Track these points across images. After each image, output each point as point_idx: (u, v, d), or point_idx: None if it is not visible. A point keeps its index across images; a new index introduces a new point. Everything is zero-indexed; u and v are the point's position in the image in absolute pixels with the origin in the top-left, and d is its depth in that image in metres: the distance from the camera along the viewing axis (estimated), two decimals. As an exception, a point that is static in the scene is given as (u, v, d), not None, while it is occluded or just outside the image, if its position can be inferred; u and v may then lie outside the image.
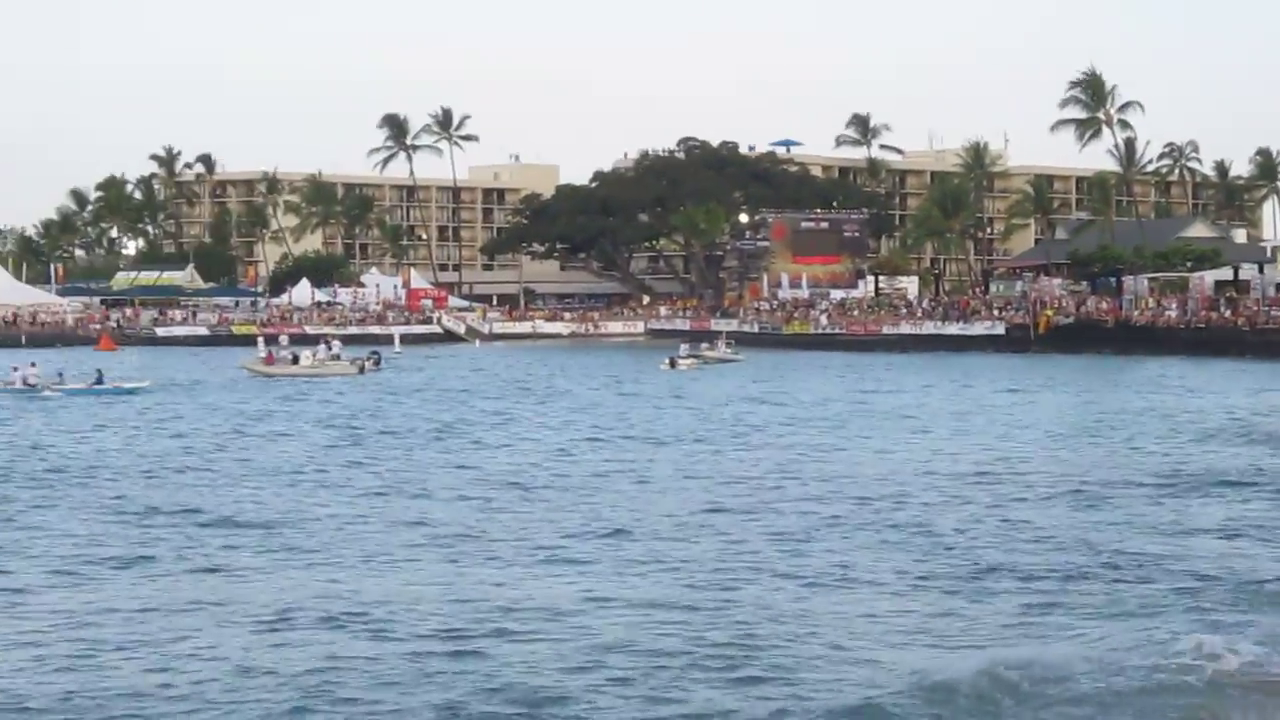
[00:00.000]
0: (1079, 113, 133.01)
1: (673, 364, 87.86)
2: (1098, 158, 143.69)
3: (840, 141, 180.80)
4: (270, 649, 18.28)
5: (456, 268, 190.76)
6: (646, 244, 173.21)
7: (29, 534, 26.88)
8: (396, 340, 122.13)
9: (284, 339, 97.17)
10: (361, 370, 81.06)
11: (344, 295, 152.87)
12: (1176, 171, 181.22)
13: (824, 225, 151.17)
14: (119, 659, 17.85)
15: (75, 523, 28.26)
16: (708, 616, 19.95)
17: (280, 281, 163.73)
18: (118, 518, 28.98)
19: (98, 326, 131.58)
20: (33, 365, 67.59)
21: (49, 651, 18.16)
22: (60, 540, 26.30)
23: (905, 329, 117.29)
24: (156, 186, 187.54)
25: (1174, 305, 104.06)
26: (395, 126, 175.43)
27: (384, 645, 18.34)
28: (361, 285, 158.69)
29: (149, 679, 16.88)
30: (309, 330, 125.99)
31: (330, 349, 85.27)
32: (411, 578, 22.92)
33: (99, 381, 66.39)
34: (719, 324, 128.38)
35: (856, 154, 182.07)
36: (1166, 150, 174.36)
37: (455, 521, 28.44)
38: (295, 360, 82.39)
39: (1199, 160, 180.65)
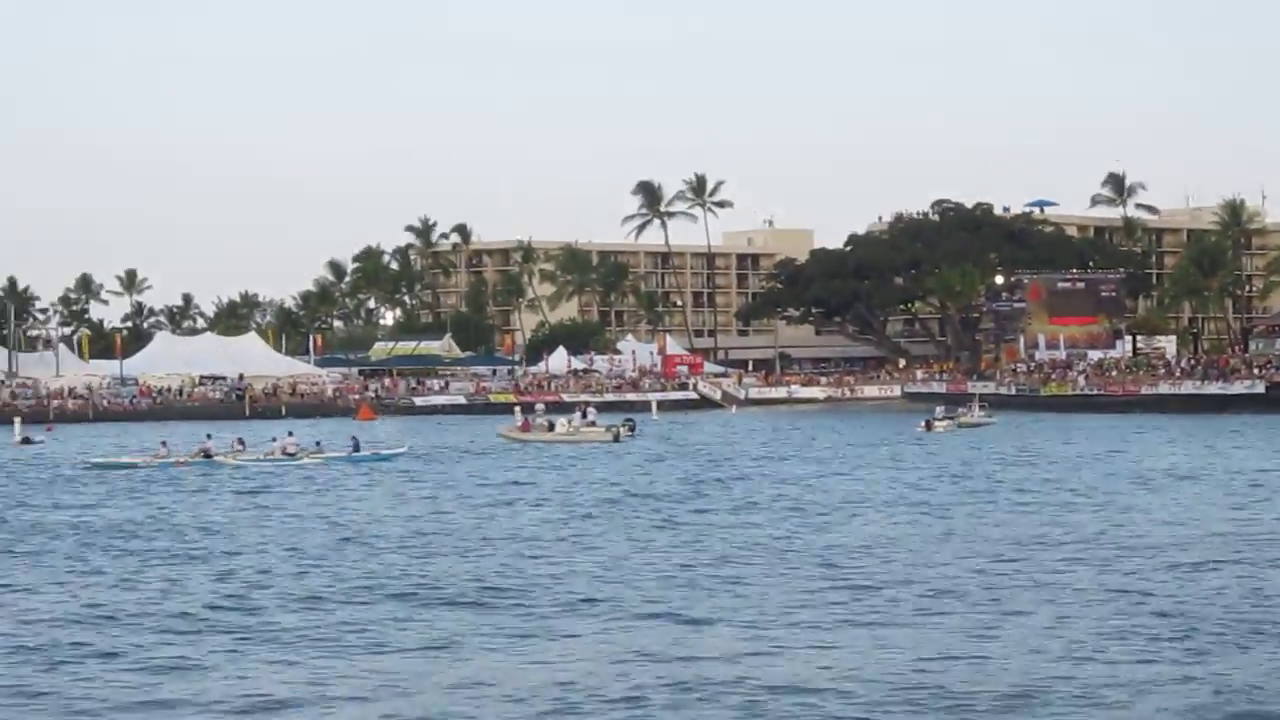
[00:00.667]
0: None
1: (929, 426, 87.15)
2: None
3: (1095, 201, 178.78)
4: None
5: (711, 333, 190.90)
6: (901, 307, 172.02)
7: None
8: (654, 407, 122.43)
9: (539, 407, 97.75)
10: (616, 438, 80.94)
11: (600, 362, 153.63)
12: None
13: (1080, 285, 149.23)
14: None
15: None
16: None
17: (537, 349, 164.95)
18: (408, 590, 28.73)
19: (357, 397, 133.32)
20: (290, 435, 68.46)
21: None
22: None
23: (1164, 389, 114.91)
24: (413, 257, 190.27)
25: None
26: (649, 193, 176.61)
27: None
28: (617, 352, 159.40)
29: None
30: (565, 398, 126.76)
31: (585, 416, 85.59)
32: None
33: (355, 449, 67.08)
34: (975, 386, 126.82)
35: (1112, 213, 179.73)
36: None
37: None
38: (551, 427, 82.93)
39: None
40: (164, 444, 66.22)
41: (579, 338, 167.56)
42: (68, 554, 34.08)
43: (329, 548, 34.62)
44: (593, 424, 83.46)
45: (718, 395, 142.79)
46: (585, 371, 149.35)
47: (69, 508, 45.78)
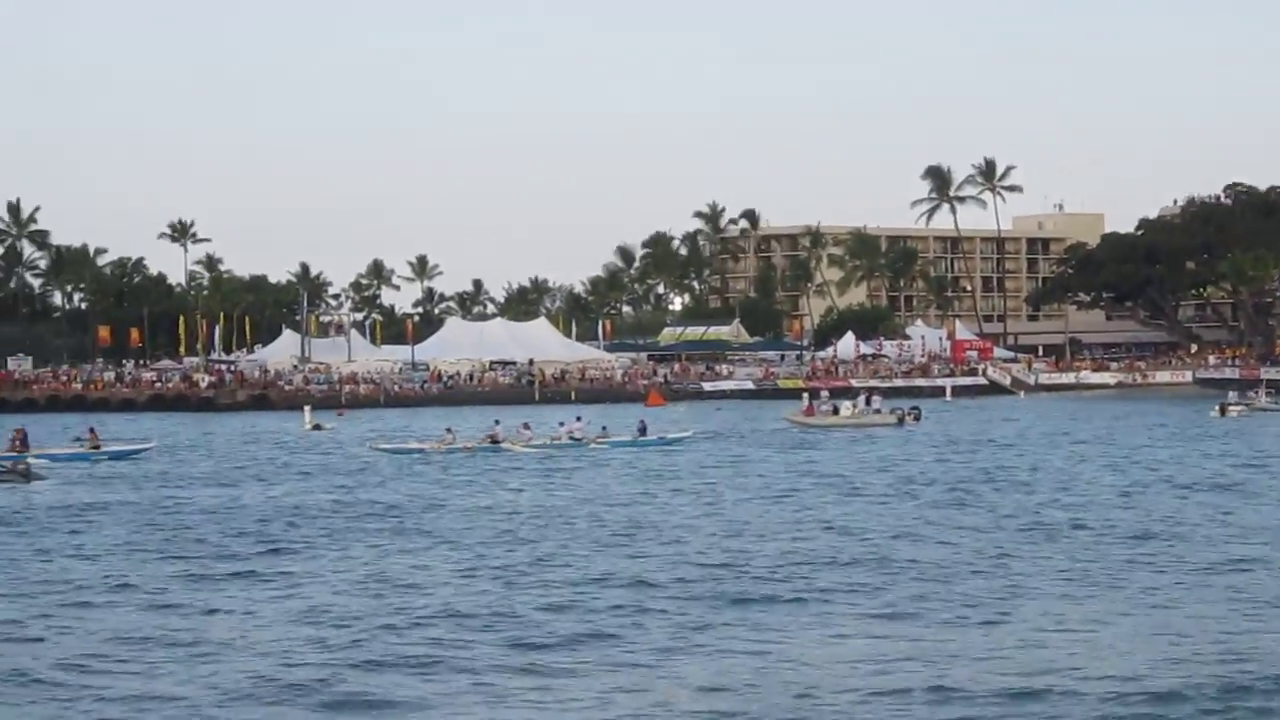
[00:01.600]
0: None
1: (1223, 411, 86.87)
2: None
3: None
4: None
5: (1001, 318, 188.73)
6: (1193, 292, 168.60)
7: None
8: (948, 391, 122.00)
9: (824, 393, 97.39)
10: (900, 422, 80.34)
11: (889, 347, 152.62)
12: None
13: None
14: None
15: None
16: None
17: (825, 334, 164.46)
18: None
19: (646, 382, 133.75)
20: (578, 420, 68.77)
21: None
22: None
23: None
24: (702, 242, 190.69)
25: None
26: (938, 178, 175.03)
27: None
28: (906, 337, 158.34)
29: None
30: (854, 383, 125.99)
31: (870, 403, 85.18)
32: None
33: (642, 433, 67.23)
34: (1268, 372, 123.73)
35: None
36: None
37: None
38: (835, 411, 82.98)
39: None
40: (449, 430, 66.90)
41: (868, 323, 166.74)
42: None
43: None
44: (878, 410, 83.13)
45: (1007, 381, 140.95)
46: (874, 357, 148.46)
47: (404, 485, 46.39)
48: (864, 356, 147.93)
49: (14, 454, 55.56)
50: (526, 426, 67.18)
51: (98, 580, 27.24)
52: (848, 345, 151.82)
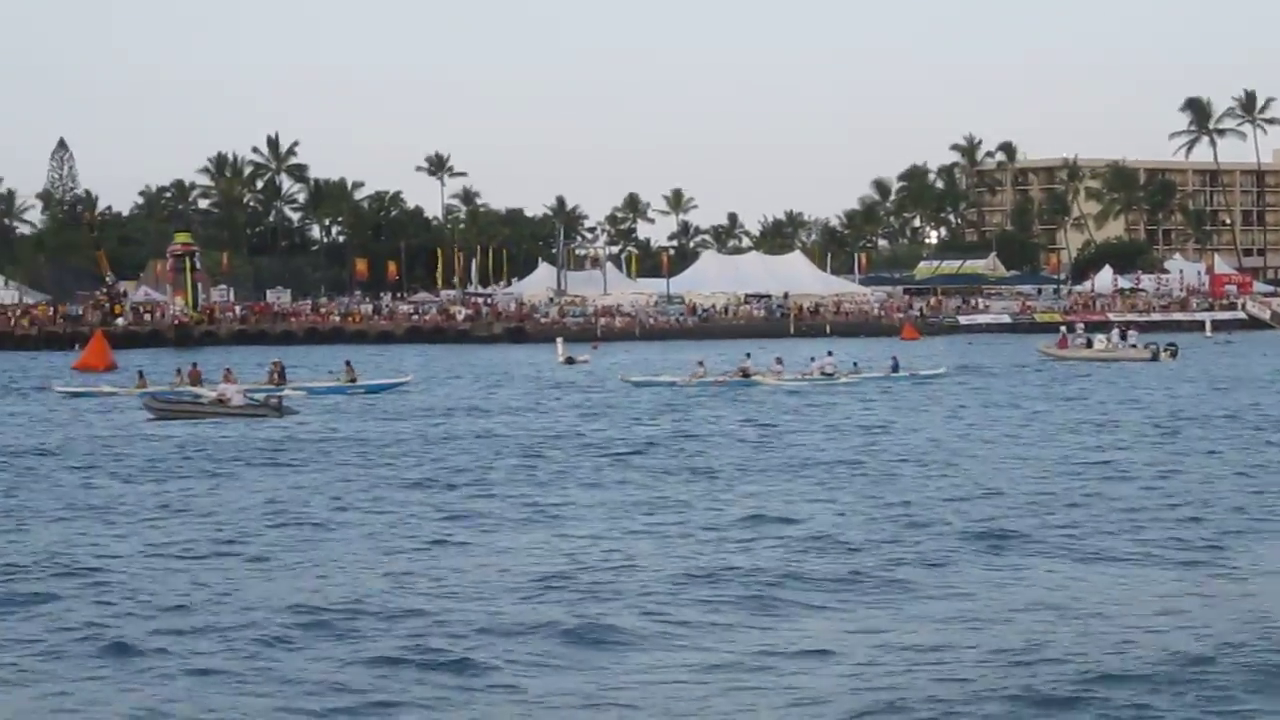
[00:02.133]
0: None
1: None
2: None
3: None
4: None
5: (1261, 252, 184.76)
6: None
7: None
8: (1208, 326, 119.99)
9: (1080, 327, 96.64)
10: (1154, 357, 79.09)
11: (1147, 282, 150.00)
12: None
13: None
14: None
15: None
16: None
17: (1082, 268, 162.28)
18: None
19: (901, 316, 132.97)
20: (829, 354, 68.43)
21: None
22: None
23: None
24: (958, 175, 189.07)
25: None
26: (1197, 111, 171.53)
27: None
28: (1164, 271, 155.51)
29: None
30: (1112, 317, 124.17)
31: (1125, 337, 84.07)
32: None
33: (895, 369, 66.79)
34: None
35: None
36: None
37: None
38: (1089, 345, 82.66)
39: None
40: (700, 363, 66.97)
41: (1125, 257, 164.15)
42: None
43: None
44: (1133, 345, 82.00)
45: (1267, 315, 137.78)
46: (1131, 291, 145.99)
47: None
48: (1121, 291, 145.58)
49: (272, 387, 56.65)
50: (779, 361, 67.01)
51: (346, 511, 27.40)
52: (1105, 279, 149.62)
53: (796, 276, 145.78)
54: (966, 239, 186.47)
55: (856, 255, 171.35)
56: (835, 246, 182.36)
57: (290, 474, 33.42)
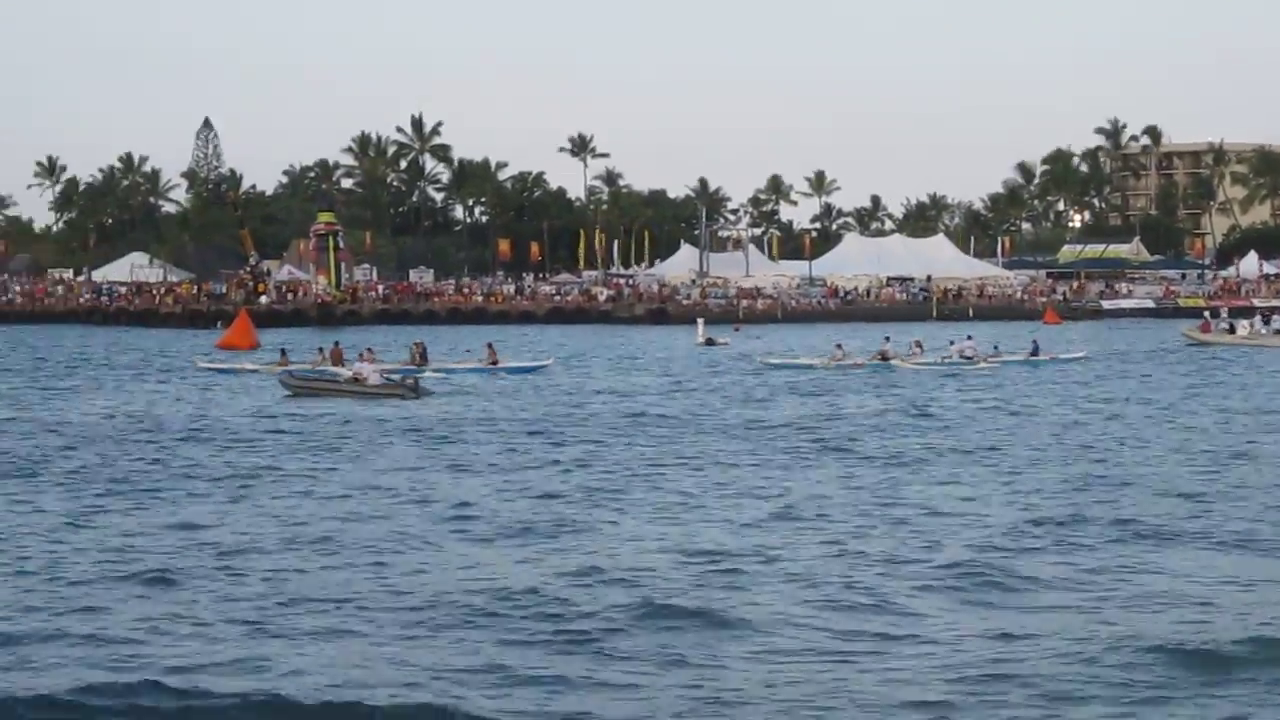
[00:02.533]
0: None
1: None
2: None
3: None
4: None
5: None
6: None
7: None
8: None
9: (1224, 312, 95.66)
10: (1301, 343, 78.13)
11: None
12: None
13: None
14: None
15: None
16: None
17: (1227, 253, 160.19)
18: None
19: (1044, 300, 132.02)
20: (969, 338, 68.12)
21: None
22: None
23: None
24: (1102, 159, 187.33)
25: None
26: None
27: None
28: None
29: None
30: (1257, 303, 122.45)
31: (1269, 323, 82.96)
32: None
33: (1034, 353, 66.44)
34: None
35: None
36: None
37: None
38: (1231, 330, 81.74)
39: None
40: (839, 346, 66.91)
41: (1271, 241, 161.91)
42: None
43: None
44: (1277, 331, 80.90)
45: None
46: (1277, 276, 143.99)
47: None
48: (1267, 276, 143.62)
49: (414, 367, 57.17)
50: (918, 344, 66.81)
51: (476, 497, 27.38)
52: (1250, 264, 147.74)
53: (939, 259, 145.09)
54: (1110, 223, 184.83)
55: (1000, 239, 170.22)
56: (978, 230, 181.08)
57: (426, 455, 33.50)
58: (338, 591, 18.74)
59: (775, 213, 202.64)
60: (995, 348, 68.11)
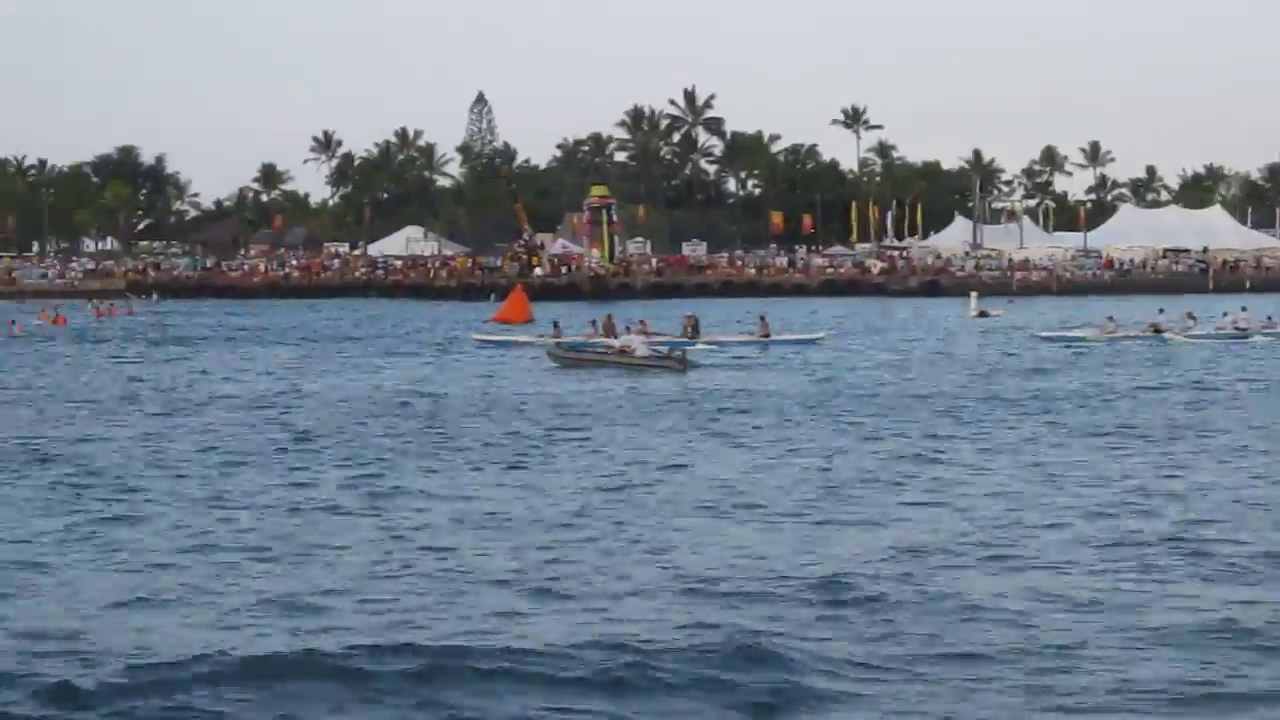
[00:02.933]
0: None
1: None
2: None
3: None
4: None
5: None
6: None
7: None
8: None
9: None
10: None
11: None
12: None
13: None
14: None
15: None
16: None
17: None
18: None
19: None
20: (1243, 309, 66.91)
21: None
22: None
23: None
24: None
25: None
26: None
27: None
28: None
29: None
30: None
31: None
32: None
33: (1291, 325, 65.16)
34: None
35: None
36: None
37: None
38: None
39: None
40: (1110, 319, 66.13)
41: None
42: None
43: None
44: None
45: None
46: None
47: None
48: None
49: (686, 340, 57.56)
50: (1191, 316, 65.81)
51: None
52: None
53: (1216, 231, 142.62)
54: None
55: (1278, 209, 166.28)
56: (1256, 200, 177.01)
57: (695, 427, 33.59)
58: (611, 567, 18.81)
59: (1049, 184, 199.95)
60: (1270, 318, 66.70)
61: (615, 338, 56.39)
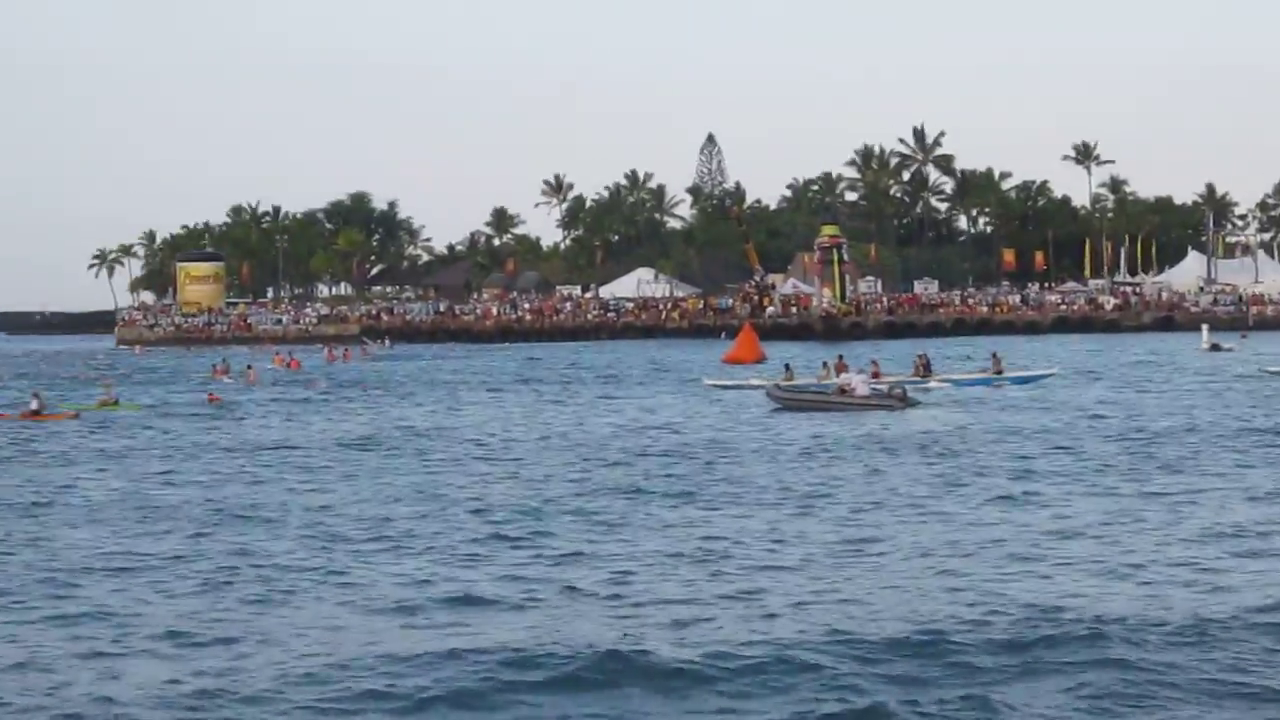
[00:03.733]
0: None
1: None
2: None
3: None
4: None
5: None
6: None
7: None
8: None
9: None
10: None
11: None
12: None
13: None
14: None
15: None
16: None
17: None
18: None
19: None
20: None
21: None
22: None
23: None
24: None
25: None
26: None
27: None
28: None
29: None
30: None
31: None
32: None
33: None
34: None
35: None
36: None
37: None
38: None
39: None
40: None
41: None
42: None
43: None
44: None
45: None
46: None
47: None
48: None
49: (918, 379, 57.36)
50: None
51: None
52: None
53: None
54: None
55: None
56: None
57: (918, 468, 33.38)
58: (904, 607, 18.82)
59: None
60: None
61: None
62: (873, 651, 16.36)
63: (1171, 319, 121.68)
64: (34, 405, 53.39)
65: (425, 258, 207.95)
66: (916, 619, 17.79)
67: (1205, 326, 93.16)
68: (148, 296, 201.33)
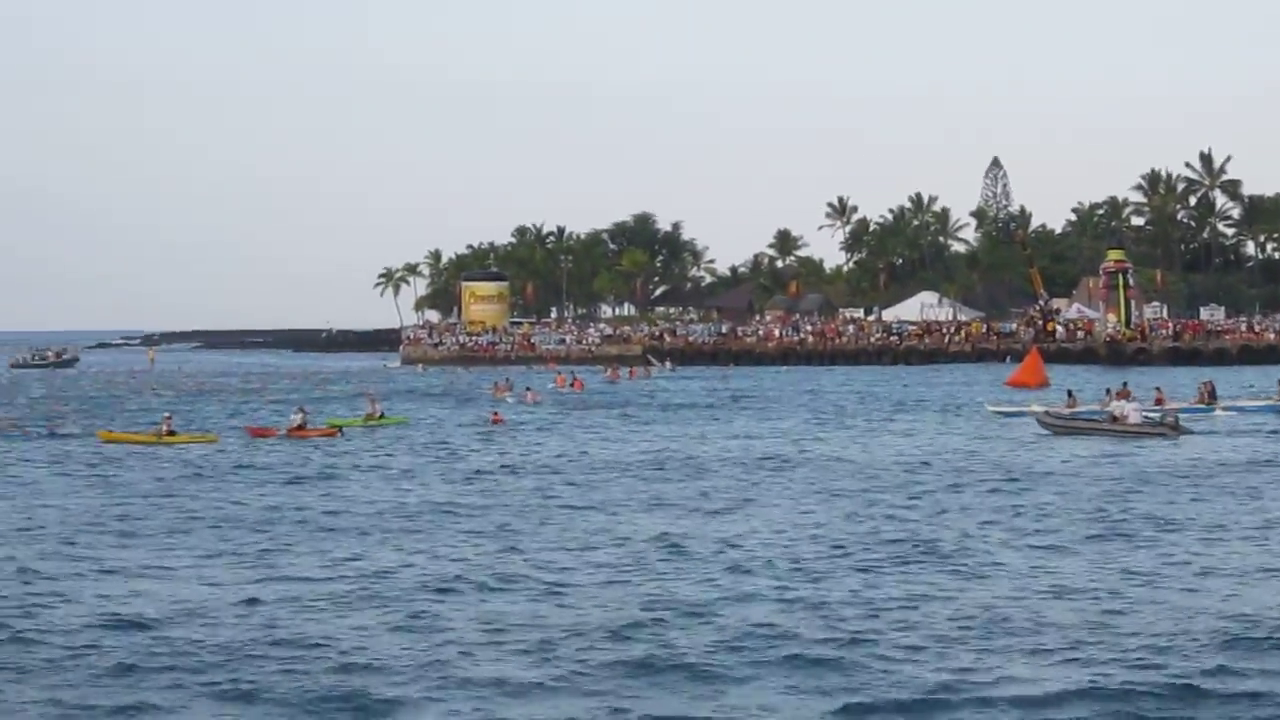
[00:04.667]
0: None
1: None
2: None
3: None
4: None
5: None
6: None
7: None
8: None
9: None
10: None
11: None
12: None
13: None
14: None
15: None
16: None
17: None
18: None
19: None
20: None
21: None
22: None
23: None
24: None
25: None
26: None
27: None
28: None
29: None
30: None
31: None
32: None
33: None
34: None
35: None
36: None
37: None
38: None
39: None
40: None
41: None
42: None
43: None
44: None
45: None
46: None
47: None
48: None
49: (1203, 406, 57.44)
50: None
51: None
52: None
53: None
54: None
55: None
56: None
57: (1178, 498, 33.59)
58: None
59: None
60: None
61: (1130, 401, 56.23)
62: None
63: None
64: (297, 420, 55.27)
65: (708, 279, 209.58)
66: None
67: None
68: (433, 315, 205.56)
